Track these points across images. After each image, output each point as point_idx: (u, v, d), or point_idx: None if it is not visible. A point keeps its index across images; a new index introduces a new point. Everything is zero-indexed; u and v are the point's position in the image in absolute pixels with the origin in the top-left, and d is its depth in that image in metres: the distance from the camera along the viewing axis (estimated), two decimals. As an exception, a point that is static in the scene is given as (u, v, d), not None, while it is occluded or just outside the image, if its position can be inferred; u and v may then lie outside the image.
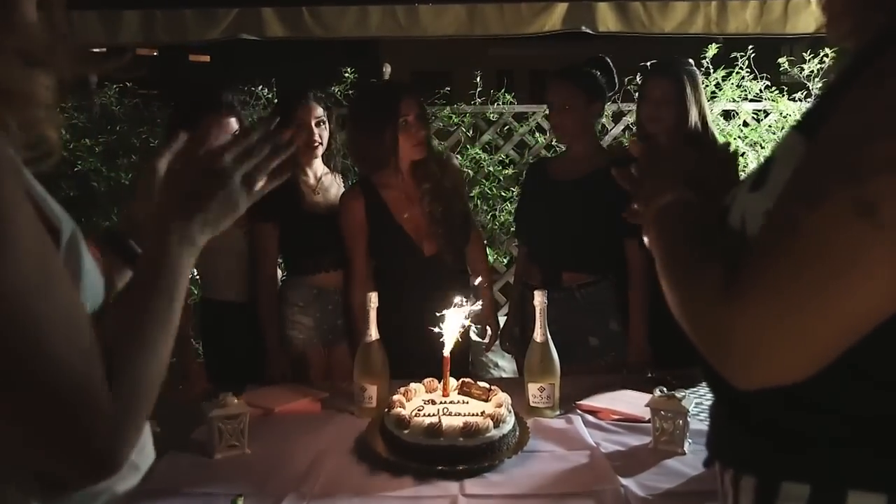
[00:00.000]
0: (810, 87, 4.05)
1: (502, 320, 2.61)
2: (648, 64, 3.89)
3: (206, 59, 18.05)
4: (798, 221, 0.65)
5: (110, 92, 4.24)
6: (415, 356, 1.87)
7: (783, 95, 4.07)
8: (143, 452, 0.84)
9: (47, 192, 0.71)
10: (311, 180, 2.42)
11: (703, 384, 2.01)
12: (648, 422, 1.65)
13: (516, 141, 4.30)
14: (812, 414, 0.71)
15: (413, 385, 1.78)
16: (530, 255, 2.46)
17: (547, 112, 4.12)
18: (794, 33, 3.19)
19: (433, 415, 1.60)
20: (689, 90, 2.33)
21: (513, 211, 4.09)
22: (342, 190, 2.49)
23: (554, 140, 4.13)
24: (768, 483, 0.75)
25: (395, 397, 1.69)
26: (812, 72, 4.01)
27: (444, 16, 3.22)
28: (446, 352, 1.75)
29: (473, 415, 1.60)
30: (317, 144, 2.38)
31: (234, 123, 2.22)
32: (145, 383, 0.70)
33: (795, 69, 4.06)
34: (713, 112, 3.25)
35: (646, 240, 0.92)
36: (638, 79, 4.07)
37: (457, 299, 1.79)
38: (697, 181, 0.89)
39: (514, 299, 2.53)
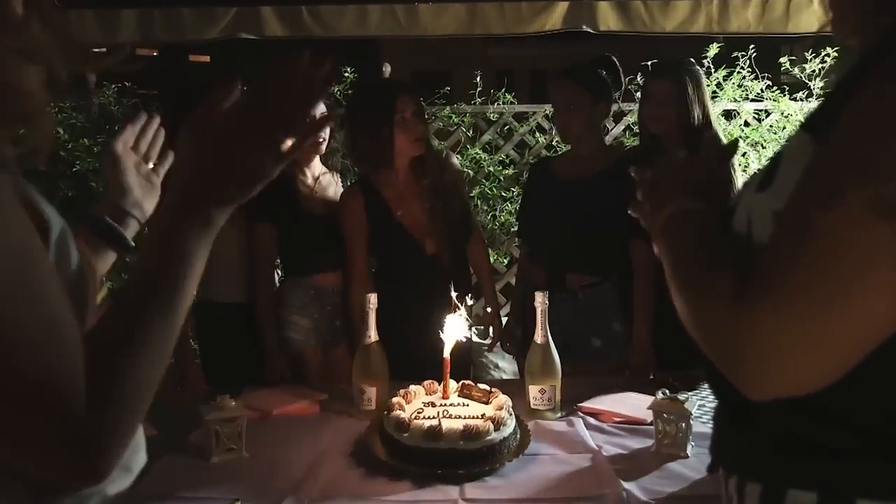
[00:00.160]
0: (812, 87, 4.03)
1: (503, 321, 2.59)
2: (649, 63, 3.90)
3: (206, 59, 18.07)
4: (812, 223, 0.63)
5: (109, 92, 4.23)
6: (416, 356, 1.85)
7: (784, 95, 4.06)
8: (137, 455, 0.82)
9: (36, 190, 0.68)
10: (309, 180, 2.41)
11: (706, 386, 1.99)
12: (651, 424, 1.64)
13: (516, 141, 4.29)
14: (820, 420, 0.69)
15: (413, 387, 1.76)
16: (533, 256, 2.44)
17: (547, 112, 4.14)
18: (796, 32, 3.16)
19: (433, 417, 1.59)
20: (691, 90, 2.31)
21: (513, 211, 4.09)
22: (340, 190, 2.48)
23: (555, 140, 4.12)
24: (774, 490, 0.73)
25: (395, 399, 1.68)
26: (813, 71, 4.00)
27: (444, 15, 3.20)
28: (446, 353, 1.73)
29: (474, 417, 1.59)
30: (322, 141, 2.36)
31: None
32: (142, 384, 0.65)
33: (797, 69, 4.05)
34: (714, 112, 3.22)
35: (655, 249, 0.90)
36: (639, 78, 4.07)
37: (458, 300, 1.77)
38: (703, 187, 0.87)
39: (516, 300, 2.51)
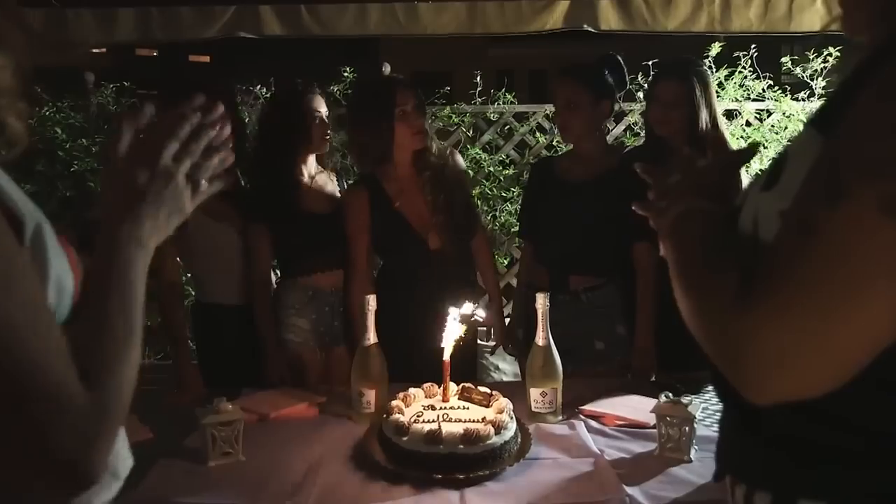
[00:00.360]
0: (813, 87, 4.02)
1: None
2: (650, 63, 3.89)
3: (206, 59, 18.08)
4: (817, 223, 0.61)
5: (107, 91, 4.22)
6: (420, 355, 1.83)
7: (786, 95, 4.04)
8: (122, 461, 0.80)
9: (13, 183, 0.68)
10: (305, 179, 2.38)
11: (709, 388, 1.97)
12: (653, 428, 1.62)
13: (517, 141, 4.27)
14: (833, 428, 0.67)
15: (412, 390, 1.74)
16: (536, 257, 2.42)
17: (548, 112, 4.12)
18: (799, 31, 3.13)
19: (433, 421, 1.57)
20: (698, 91, 2.26)
21: (513, 212, 4.07)
22: (336, 189, 2.46)
23: (555, 140, 4.10)
24: (784, 500, 0.71)
25: (394, 403, 1.66)
26: (815, 71, 3.98)
27: (444, 14, 3.18)
28: (446, 356, 1.71)
29: (474, 421, 1.57)
30: (328, 137, 2.36)
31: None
32: (116, 390, 0.67)
33: (799, 68, 4.03)
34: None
35: (661, 249, 0.88)
36: (640, 78, 4.06)
37: (461, 303, 1.75)
38: (714, 188, 0.85)
39: (518, 301, 2.49)
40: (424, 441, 1.48)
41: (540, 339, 1.79)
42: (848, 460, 0.67)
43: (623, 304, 2.26)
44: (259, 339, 2.27)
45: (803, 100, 4.05)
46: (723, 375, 0.69)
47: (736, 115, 4.07)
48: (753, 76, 4.08)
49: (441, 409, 1.65)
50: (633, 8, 3.10)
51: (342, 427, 1.76)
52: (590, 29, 3.16)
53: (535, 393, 1.78)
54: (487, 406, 1.67)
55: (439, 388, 1.74)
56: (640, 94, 4.08)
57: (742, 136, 4.01)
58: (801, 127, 3.87)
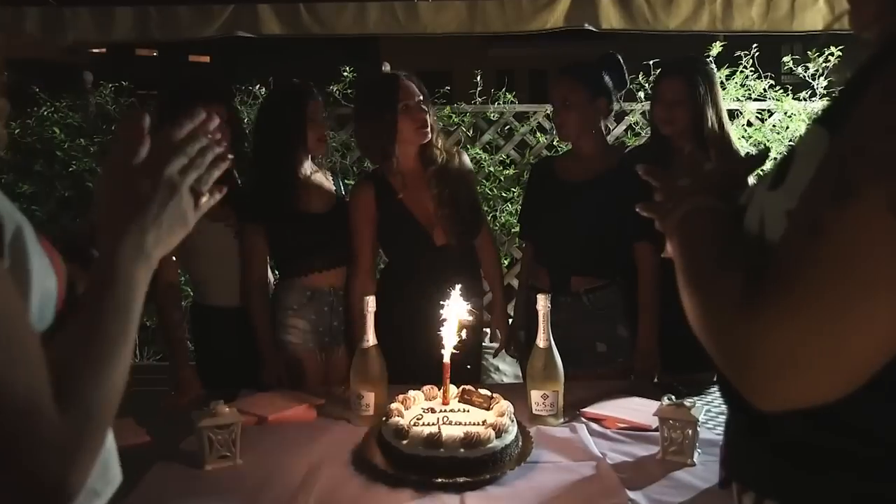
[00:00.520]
0: (815, 86, 4.00)
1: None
2: (651, 63, 3.87)
3: (206, 59, 18.07)
4: (826, 223, 0.59)
5: (106, 91, 4.20)
6: (423, 352, 1.82)
7: (787, 95, 4.02)
8: (106, 476, 0.78)
9: None
10: (302, 178, 2.36)
11: (712, 390, 1.95)
12: (656, 430, 1.60)
13: (517, 141, 4.25)
14: (844, 435, 0.65)
15: (412, 392, 1.72)
16: (537, 258, 2.40)
17: (548, 112, 4.10)
18: (802, 31, 3.11)
19: (432, 424, 1.55)
20: (703, 90, 2.22)
21: (514, 212, 4.05)
22: (332, 188, 2.45)
23: (556, 140, 4.08)
24: None
25: (394, 405, 1.64)
26: (817, 70, 3.96)
27: (444, 12, 3.15)
28: (446, 358, 1.69)
29: (474, 424, 1.55)
30: (324, 139, 2.36)
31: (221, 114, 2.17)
32: (98, 406, 0.64)
33: (800, 68, 4.01)
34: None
35: (668, 248, 0.86)
36: (640, 78, 4.04)
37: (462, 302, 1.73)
38: (720, 188, 0.83)
39: (520, 302, 2.47)
40: (424, 444, 1.46)
41: (541, 341, 1.77)
42: (861, 469, 0.65)
43: (625, 305, 2.24)
44: (256, 341, 2.26)
45: (805, 99, 4.03)
46: (729, 380, 0.67)
47: (737, 115, 4.05)
48: (755, 76, 4.06)
49: (441, 411, 1.63)
50: (634, 7, 3.08)
51: (341, 430, 1.74)
52: (591, 28, 3.13)
53: (536, 395, 1.76)
54: (488, 409, 1.64)
55: (439, 390, 1.72)
56: (641, 94, 4.06)
57: (743, 136, 3.99)
58: (802, 127, 3.89)
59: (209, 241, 2.27)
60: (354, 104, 2.41)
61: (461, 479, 1.42)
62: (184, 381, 2.20)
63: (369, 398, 1.78)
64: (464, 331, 1.72)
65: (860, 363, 0.59)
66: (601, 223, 2.17)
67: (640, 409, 1.76)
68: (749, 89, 4.06)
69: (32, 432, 0.56)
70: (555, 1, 3.09)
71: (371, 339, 1.80)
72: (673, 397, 1.59)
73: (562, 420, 1.76)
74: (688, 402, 1.57)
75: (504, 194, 4.18)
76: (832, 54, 3.92)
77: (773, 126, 4.05)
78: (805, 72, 4.01)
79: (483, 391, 1.70)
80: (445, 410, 1.64)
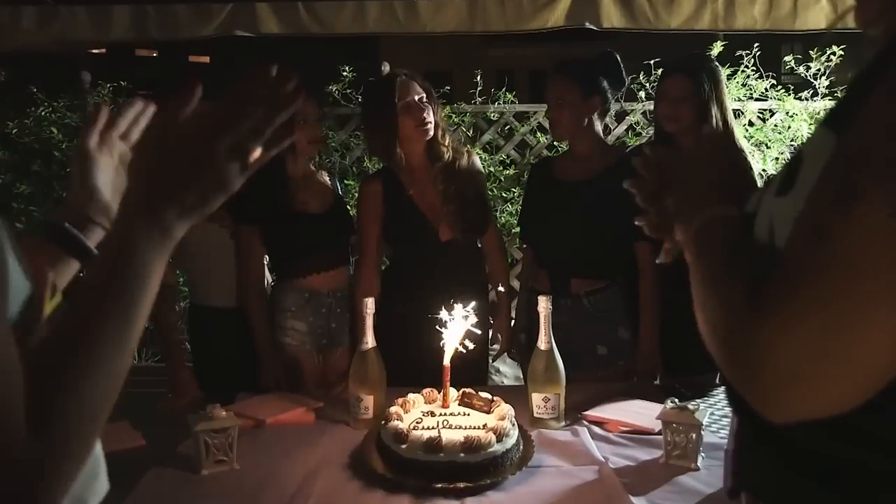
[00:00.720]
0: (817, 86, 3.98)
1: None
2: (652, 62, 3.84)
3: (206, 60, 18.06)
4: (830, 227, 0.57)
5: (104, 91, 4.18)
6: (428, 350, 1.79)
7: (789, 94, 4.00)
8: (94, 486, 0.74)
9: None
10: (298, 178, 2.33)
11: (715, 393, 1.93)
12: (658, 434, 1.58)
13: (517, 141, 4.23)
14: (859, 446, 0.63)
15: (411, 395, 1.70)
16: (536, 260, 2.38)
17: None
18: (804, 29, 3.08)
19: (432, 428, 1.52)
20: (708, 87, 2.20)
21: (514, 212, 4.03)
22: (330, 188, 2.44)
23: (556, 140, 4.06)
24: None
25: (393, 409, 1.61)
26: (819, 70, 3.94)
27: (444, 11, 3.12)
28: (446, 361, 1.67)
29: (475, 428, 1.53)
30: (316, 140, 2.33)
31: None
32: (90, 407, 0.58)
33: (802, 67, 3.99)
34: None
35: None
36: (641, 77, 4.02)
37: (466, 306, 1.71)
38: (733, 190, 0.81)
39: (520, 304, 2.45)
40: (424, 449, 1.44)
41: (542, 343, 1.75)
42: (878, 481, 0.62)
43: (626, 306, 2.22)
44: (254, 342, 2.23)
45: (806, 99, 4.01)
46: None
47: (738, 115, 4.03)
48: (756, 76, 4.04)
49: (441, 415, 1.61)
50: (635, 5, 3.05)
51: (340, 433, 1.72)
52: (591, 27, 3.11)
53: (537, 398, 1.73)
54: (489, 412, 1.62)
55: (439, 393, 1.69)
56: (642, 94, 4.04)
57: (745, 136, 3.97)
58: (804, 127, 3.87)
59: (204, 242, 2.25)
60: (361, 109, 2.40)
61: (461, 485, 1.40)
62: (181, 383, 2.18)
63: (368, 401, 1.76)
64: (467, 341, 1.70)
65: (872, 371, 0.57)
66: (599, 224, 2.15)
67: (642, 413, 1.74)
68: (750, 89, 4.04)
69: (7, 446, 0.52)
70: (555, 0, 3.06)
71: (370, 341, 1.78)
72: (676, 400, 1.57)
73: (563, 423, 1.74)
74: (691, 405, 1.54)
75: (504, 194, 4.16)
76: (834, 53, 3.90)
77: (775, 126, 4.03)
78: (807, 71, 3.99)
79: (484, 394, 1.68)
80: (445, 414, 1.62)
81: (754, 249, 0.71)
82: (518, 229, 2.80)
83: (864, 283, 0.55)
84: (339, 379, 2.16)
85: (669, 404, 1.56)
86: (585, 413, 1.77)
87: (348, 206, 2.72)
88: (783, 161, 3.93)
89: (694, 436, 1.50)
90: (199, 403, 1.77)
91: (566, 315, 2.12)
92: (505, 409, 1.61)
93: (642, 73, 4.01)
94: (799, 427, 0.62)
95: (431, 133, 2.26)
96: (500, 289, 2.39)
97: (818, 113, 3.90)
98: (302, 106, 2.24)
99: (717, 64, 2.30)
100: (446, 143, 2.32)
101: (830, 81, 3.95)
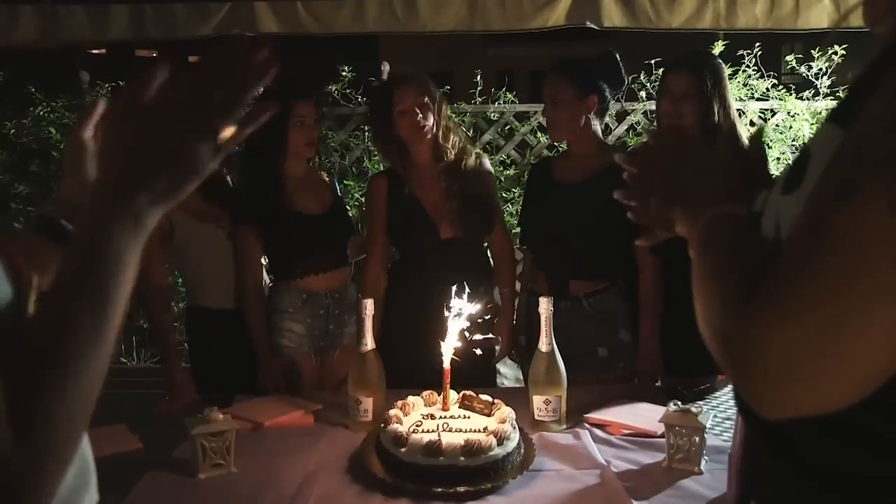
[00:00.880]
0: (818, 85, 3.96)
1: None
2: (653, 62, 3.82)
3: (205, 59, 18.04)
4: (828, 223, 0.55)
5: (102, 91, 4.16)
6: (430, 349, 1.78)
7: (790, 94, 3.98)
8: (84, 497, 0.72)
9: None
10: (295, 179, 2.31)
11: (718, 395, 1.91)
12: (661, 437, 1.56)
13: (517, 141, 4.21)
14: (874, 453, 0.61)
15: (411, 398, 1.68)
16: (536, 262, 2.36)
17: (549, 111, 4.06)
18: (806, 28, 3.06)
19: (432, 431, 1.51)
20: (710, 84, 2.17)
21: (514, 213, 4.00)
22: (329, 189, 2.43)
23: (553, 140, 4.04)
24: None
25: (392, 412, 1.60)
26: (820, 69, 3.93)
27: (444, 11, 3.10)
28: (446, 363, 1.65)
29: (475, 431, 1.51)
30: (312, 141, 2.31)
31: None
32: (73, 404, 0.56)
33: (803, 67, 3.97)
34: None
35: (690, 252, 0.82)
36: (642, 77, 4.00)
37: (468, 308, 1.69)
38: (735, 187, 0.79)
39: (521, 305, 2.43)
40: (423, 452, 1.43)
41: (543, 345, 1.73)
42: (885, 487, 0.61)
43: (626, 308, 2.20)
44: (252, 344, 2.22)
45: (807, 99, 3.99)
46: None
47: (740, 114, 4.01)
48: (757, 75, 4.02)
49: (441, 418, 1.59)
50: (636, 4, 3.03)
51: (338, 436, 1.71)
52: (592, 26, 3.09)
53: (538, 401, 1.72)
54: (489, 415, 1.61)
55: (439, 395, 1.68)
56: (643, 94, 4.02)
57: (746, 136, 3.95)
58: (805, 126, 3.85)
59: (201, 243, 2.23)
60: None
61: (461, 489, 1.38)
62: (178, 385, 2.16)
63: (367, 403, 1.74)
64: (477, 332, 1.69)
65: (869, 369, 0.55)
66: (598, 224, 2.12)
67: (645, 415, 1.72)
68: (752, 89, 4.03)
69: None
70: (556, -1, 3.04)
71: (369, 343, 1.77)
72: (679, 403, 1.56)
73: (565, 426, 1.72)
74: (694, 407, 1.53)
75: (504, 195, 4.14)
76: (836, 53, 3.88)
77: (777, 126, 4.02)
78: (808, 71, 3.97)
79: (484, 397, 1.66)
80: (445, 417, 1.60)
81: (758, 246, 0.70)
82: (518, 230, 2.78)
83: (862, 280, 0.53)
84: (336, 380, 2.14)
85: (672, 407, 1.54)
86: (587, 416, 1.76)
87: (347, 207, 2.71)
88: (784, 161, 3.91)
89: (697, 439, 1.48)
90: (196, 406, 1.75)
91: (566, 318, 2.09)
92: (506, 411, 1.59)
93: (643, 72, 3.99)
94: (810, 434, 0.60)
95: (431, 135, 2.26)
96: (504, 290, 2.38)
97: (820, 113, 3.88)
98: (300, 106, 2.22)
99: (719, 61, 2.28)
100: (450, 143, 2.32)
101: (832, 81, 3.93)
